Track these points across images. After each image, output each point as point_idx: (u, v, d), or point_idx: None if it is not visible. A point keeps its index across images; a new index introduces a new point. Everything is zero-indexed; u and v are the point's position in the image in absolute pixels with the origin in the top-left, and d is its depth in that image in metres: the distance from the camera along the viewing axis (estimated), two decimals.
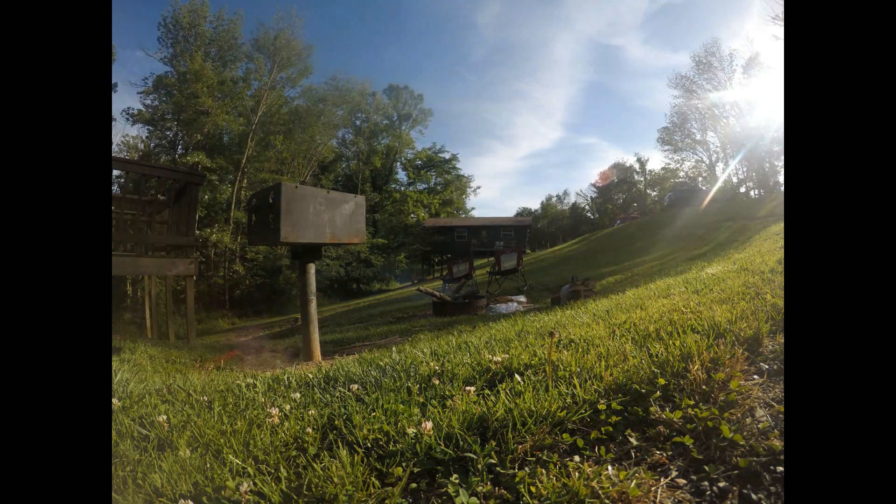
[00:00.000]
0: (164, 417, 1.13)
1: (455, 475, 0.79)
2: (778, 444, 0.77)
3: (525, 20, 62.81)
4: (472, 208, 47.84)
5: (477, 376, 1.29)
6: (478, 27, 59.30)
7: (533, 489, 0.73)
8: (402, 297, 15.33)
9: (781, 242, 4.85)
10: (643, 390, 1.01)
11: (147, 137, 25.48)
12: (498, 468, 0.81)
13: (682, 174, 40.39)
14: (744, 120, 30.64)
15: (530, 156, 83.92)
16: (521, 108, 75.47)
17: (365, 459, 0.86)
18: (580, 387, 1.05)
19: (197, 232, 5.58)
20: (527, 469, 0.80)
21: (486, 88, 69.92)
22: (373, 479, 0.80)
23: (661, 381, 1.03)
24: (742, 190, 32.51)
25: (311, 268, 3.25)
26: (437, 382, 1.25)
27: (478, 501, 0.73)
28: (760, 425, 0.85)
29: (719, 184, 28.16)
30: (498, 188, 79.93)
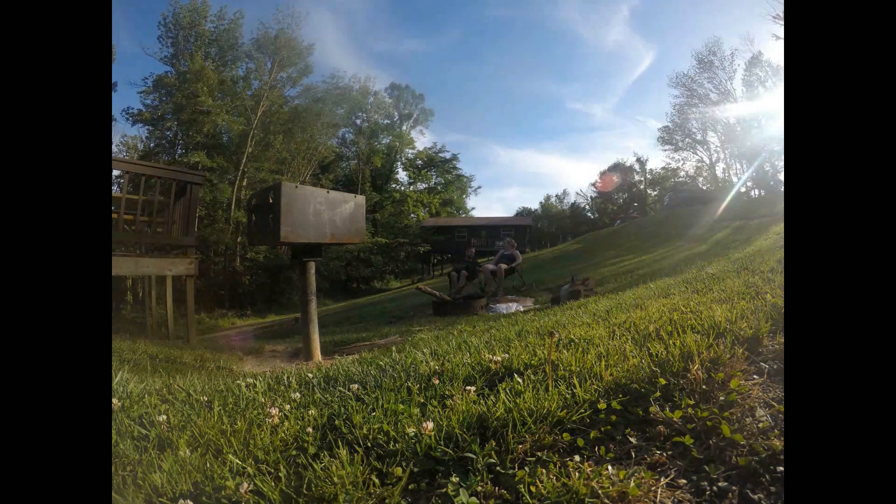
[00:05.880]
0: (164, 417, 1.13)
1: (455, 475, 0.79)
2: (778, 443, 0.77)
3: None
4: (473, 208, 47.91)
5: (477, 376, 1.29)
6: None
7: (533, 489, 0.73)
8: (401, 295, 15.33)
9: (781, 242, 4.85)
10: (643, 390, 1.01)
11: (147, 137, 25.54)
12: (498, 468, 0.80)
13: (682, 174, 40.52)
14: (745, 122, 30.64)
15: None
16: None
17: (365, 459, 0.86)
18: (580, 386, 1.05)
19: (197, 232, 5.57)
20: (527, 468, 0.80)
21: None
22: (373, 478, 0.80)
23: (661, 381, 1.03)
24: (742, 190, 32.54)
25: (311, 267, 3.25)
26: (436, 382, 1.24)
27: (478, 501, 0.73)
28: (760, 425, 0.84)
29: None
30: None
